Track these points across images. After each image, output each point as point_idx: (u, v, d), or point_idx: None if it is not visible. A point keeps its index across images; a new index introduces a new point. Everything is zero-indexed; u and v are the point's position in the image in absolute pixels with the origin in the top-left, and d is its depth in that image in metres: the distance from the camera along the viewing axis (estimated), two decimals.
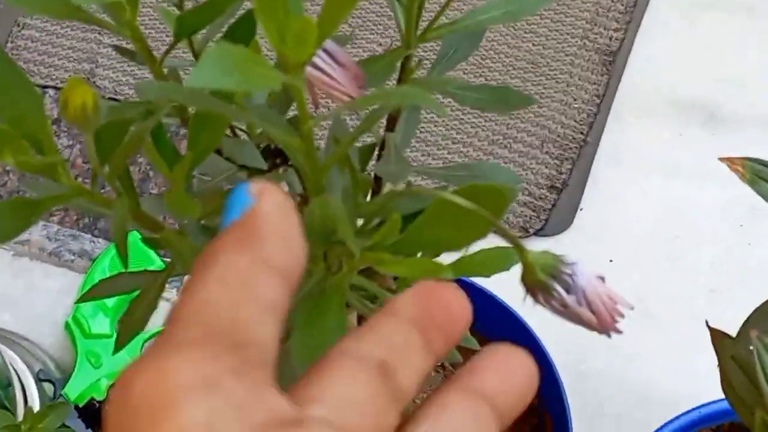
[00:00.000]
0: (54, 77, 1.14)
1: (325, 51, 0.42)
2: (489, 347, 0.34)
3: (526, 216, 1.05)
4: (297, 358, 0.40)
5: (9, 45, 1.16)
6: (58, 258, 0.92)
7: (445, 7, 0.49)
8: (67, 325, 0.87)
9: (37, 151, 0.44)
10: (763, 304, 0.53)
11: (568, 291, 0.41)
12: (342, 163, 0.44)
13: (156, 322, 0.88)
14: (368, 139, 0.55)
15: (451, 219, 0.41)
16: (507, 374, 0.33)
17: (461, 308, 0.34)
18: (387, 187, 0.54)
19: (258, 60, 0.35)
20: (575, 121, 1.10)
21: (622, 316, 0.41)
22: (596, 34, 1.15)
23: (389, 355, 0.31)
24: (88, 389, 0.84)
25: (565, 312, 0.41)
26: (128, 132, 0.45)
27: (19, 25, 1.17)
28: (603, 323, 0.41)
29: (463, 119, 1.10)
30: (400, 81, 0.52)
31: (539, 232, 1.04)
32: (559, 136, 1.09)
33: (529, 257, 0.41)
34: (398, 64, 0.50)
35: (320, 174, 0.43)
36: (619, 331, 0.42)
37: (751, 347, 0.50)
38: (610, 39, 1.15)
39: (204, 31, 0.50)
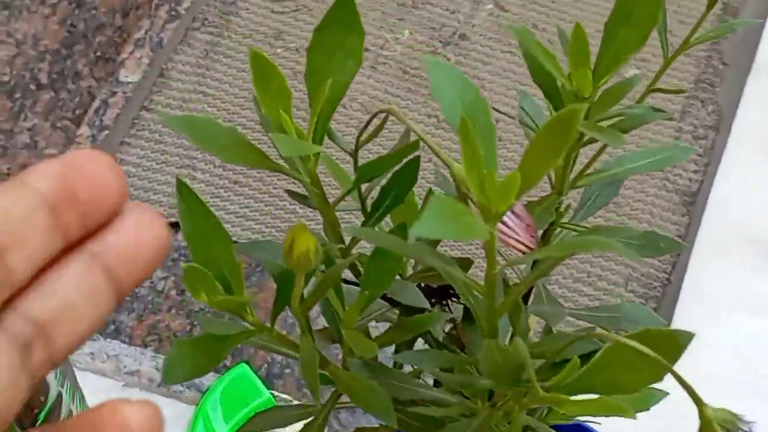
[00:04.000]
0: None
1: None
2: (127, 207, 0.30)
3: (637, 291, 1.06)
4: None
5: None
6: (168, 389, 0.94)
7: (598, 154, 0.52)
8: None
9: (226, 291, 0.47)
10: None
11: None
12: (514, 307, 0.47)
13: None
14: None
15: (626, 363, 0.43)
16: (130, 235, 0.29)
17: (112, 184, 0.29)
18: (531, 322, 0.56)
19: (466, 212, 0.38)
20: (658, 260, 1.12)
21: None
22: (676, 175, 1.18)
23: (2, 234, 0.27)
24: None
25: None
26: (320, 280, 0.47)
27: (116, 161, 1.22)
28: None
29: None
30: (551, 225, 0.55)
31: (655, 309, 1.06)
32: (642, 275, 1.11)
33: (707, 411, 0.43)
34: None
35: (496, 316, 0.45)
36: None
37: None
38: (690, 180, 1.18)
39: None
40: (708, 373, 1.06)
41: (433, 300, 0.54)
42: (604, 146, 0.52)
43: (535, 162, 0.39)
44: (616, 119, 0.50)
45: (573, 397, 0.44)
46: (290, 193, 0.52)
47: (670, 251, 0.52)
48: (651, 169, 0.53)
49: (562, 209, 0.54)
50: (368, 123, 0.49)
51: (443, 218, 0.37)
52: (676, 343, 0.42)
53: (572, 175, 0.54)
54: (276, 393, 0.93)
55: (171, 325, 1.08)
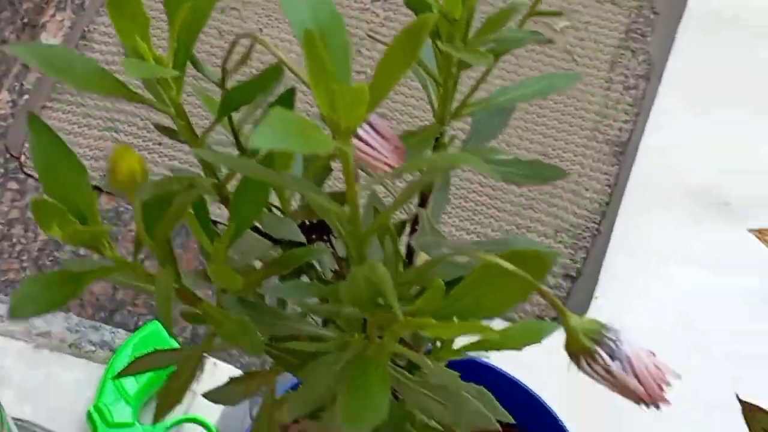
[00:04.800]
0: None
1: (367, 122, 0.43)
2: None
3: (541, 304, 1.05)
4: (344, 419, 0.40)
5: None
6: (79, 349, 0.92)
7: (480, 82, 0.50)
8: (89, 414, 0.87)
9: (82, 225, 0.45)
10: None
11: (612, 357, 0.41)
12: (383, 231, 0.45)
13: (178, 411, 0.88)
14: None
15: (493, 283, 0.42)
16: None
17: None
18: (421, 258, 0.54)
19: (312, 125, 0.37)
20: (587, 210, 1.11)
21: (670, 385, 0.41)
22: (606, 126, 1.17)
23: None
24: None
25: (610, 380, 0.41)
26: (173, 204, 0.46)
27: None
28: (650, 392, 0.41)
29: (476, 209, 1.11)
30: None
31: (555, 321, 1.04)
32: (572, 225, 1.10)
33: (572, 322, 0.41)
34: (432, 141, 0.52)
35: (363, 242, 0.44)
36: (667, 402, 0.41)
37: None
38: (620, 130, 1.17)
39: (242, 111, 0.51)
40: (640, 323, 1.05)
41: (313, 236, 0.53)
42: (486, 74, 0.51)
43: (386, 73, 0.38)
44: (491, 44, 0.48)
45: None
46: (158, 126, 0.50)
47: (554, 178, 0.51)
48: (535, 96, 0.51)
49: (445, 140, 0.53)
50: (230, 50, 0.47)
51: (282, 130, 0.35)
52: (543, 262, 0.40)
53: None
54: None
55: (93, 289, 1.06)
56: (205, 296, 0.52)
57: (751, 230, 0.54)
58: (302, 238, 0.50)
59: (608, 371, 0.40)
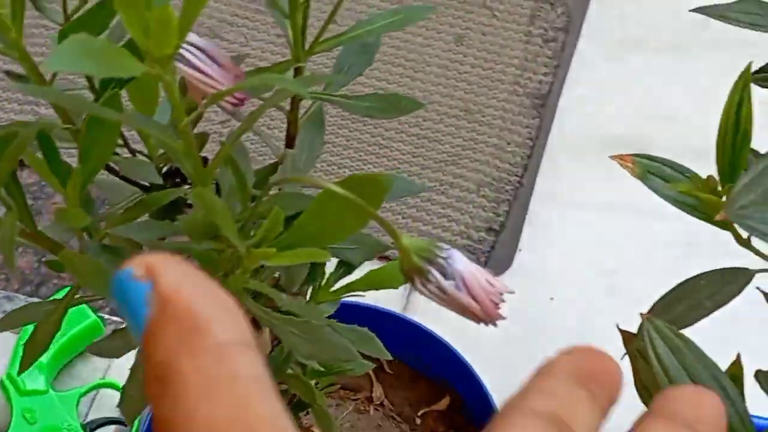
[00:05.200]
0: None
1: (196, 47, 0.43)
2: (674, 387, 0.35)
3: None
4: None
5: None
6: None
7: (331, 17, 0.50)
8: (1, 383, 0.87)
9: None
10: (665, 294, 0.53)
11: (444, 276, 0.40)
12: (227, 164, 0.45)
13: (94, 376, 0.87)
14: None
15: (334, 210, 0.42)
16: (701, 407, 0.32)
17: (615, 368, 0.33)
18: None
19: (120, 51, 0.36)
20: (510, 164, 1.11)
21: (503, 301, 0.41)
22: (526, 79, 1.17)
23: (559, 408, 0.30)
24: None
25: (445, 298, 0.41)
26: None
27: None
28: (485, 309, 0.41)
29: (398, 167, 1.11)
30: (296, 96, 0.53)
31: None
32: (494, 179, 1.10)
33: (404, 242, 0.41)
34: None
35: (206, 176, 0.44)
36: (502, 318, 0.41)
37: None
38: (540, 83, 1.17)
39: None
40: (564, 274, 1.06)
41: (177, 180, 0.52)
42: (338, 5, 0.50)
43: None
44: None
45: None
46: (8, 73, 0.50)
47: (411, 110, 0.51)
48: (388, 29, 0.51)
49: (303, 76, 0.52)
50: None
51: (79, 54, 0.34)
52: (380, 187, 0.40)
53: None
54: (107, 316, 0.91)
55: (19, 263, 1.05)
56: None
57: (612, 157, 0.54)
58: (160, 181, 0.50)
59: (441, 290, 0.40)
